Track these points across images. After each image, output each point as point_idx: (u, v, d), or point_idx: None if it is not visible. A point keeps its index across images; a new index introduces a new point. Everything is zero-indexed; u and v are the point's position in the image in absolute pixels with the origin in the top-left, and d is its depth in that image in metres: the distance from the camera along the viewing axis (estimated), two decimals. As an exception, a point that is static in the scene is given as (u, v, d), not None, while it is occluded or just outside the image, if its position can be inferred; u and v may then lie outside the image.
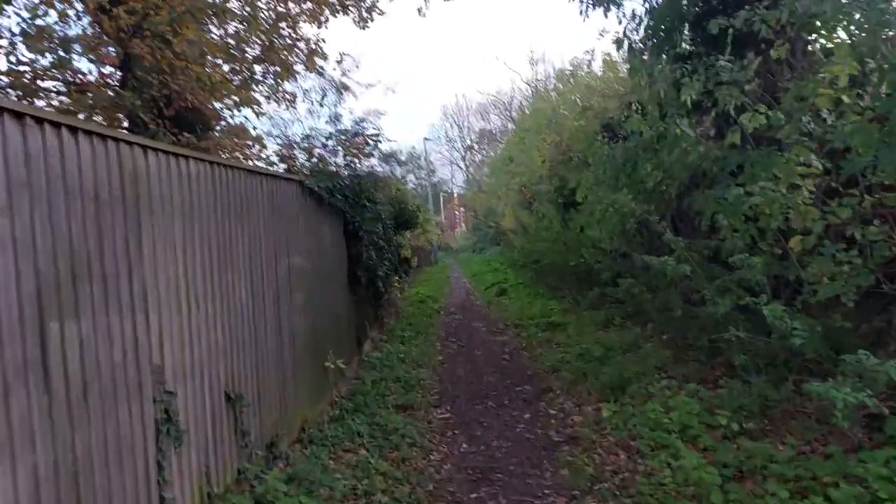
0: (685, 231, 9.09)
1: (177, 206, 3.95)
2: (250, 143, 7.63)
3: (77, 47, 7.28)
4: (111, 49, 7.73)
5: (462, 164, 70.57)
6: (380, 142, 9.33)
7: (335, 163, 9.23)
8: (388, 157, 15.30)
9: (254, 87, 9.73)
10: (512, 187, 23.59)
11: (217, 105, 8.77)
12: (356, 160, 8.75)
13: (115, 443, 3.15)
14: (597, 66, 21.11)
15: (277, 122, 12.16)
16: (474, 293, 20.85)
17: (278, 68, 9.31)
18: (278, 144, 8.34)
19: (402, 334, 11.97)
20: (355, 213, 8.95)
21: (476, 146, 66.68)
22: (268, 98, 10.24)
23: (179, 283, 3.92)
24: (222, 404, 4.43)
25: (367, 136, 9.14)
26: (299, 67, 9.91)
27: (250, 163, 8.05)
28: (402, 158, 53.49)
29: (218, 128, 7.55)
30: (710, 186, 7.76)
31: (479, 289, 21.70)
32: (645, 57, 10.03)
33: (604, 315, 10.74)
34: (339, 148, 8.69)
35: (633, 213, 8.47)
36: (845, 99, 5.99)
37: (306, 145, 8.46)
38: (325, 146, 8.52)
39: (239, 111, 9.38)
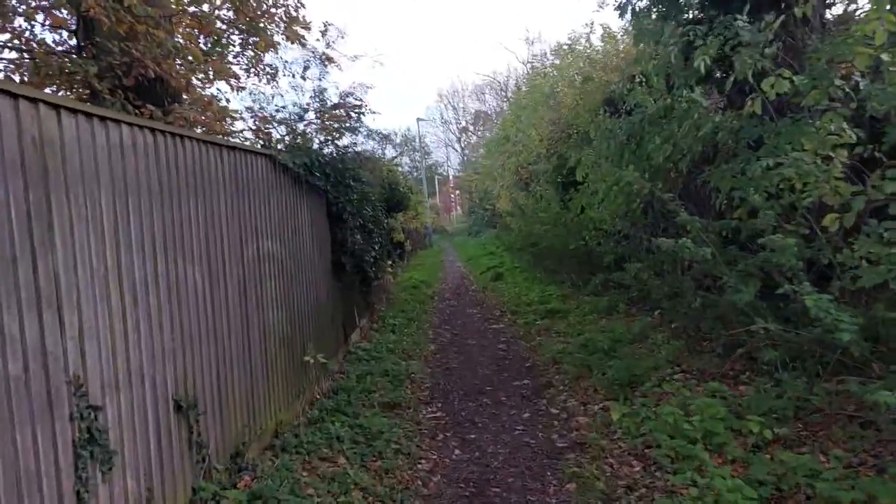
0: (694, 211, 8.44)
1: (106, 180, 3.26)
2: (220, 116, 6.91)
3: (21, 8, 6.52)
4: (64, 12, 6.99)
5: (457, 147, 69.74)
6: (363, 114, 8.60)
7: (318, 139, 8.52)
8: (375, 135, 14.46)
9: (230, 58, 9.01)
10: (508, 168, 22.86)
11: (190, 77, 8.03)
12: (336, 135, 8.01)
13: (10, 477, 2.49)
14: (596, 40, 20.34)
15: (258, 98, 11.41)
16: (469, 278, 20.21)
17: (256, 38, 8.56)
18: (252, 118, 7.58)
19: (394, 322, 11.32)
20: (339, 194, 8.25)
21: (471, 128, 65.85)
22: (247, 71, 9.50)
23: (109, 272, 3.24)
24: (170, 415, 3.76)
25: (349, 107, 8.40)
26: (279, 38, 9.15)
27: (232, 141, 7.31)
28: (396, 140, 52.77)
29: (188, 100, 6.82)
30: (727, 161, 7.11)
31: (475, 273, 21.06)
32: (650, 25, 9.29)
33: (607, 302, 10.11)
34: (318, 121, 7.94)
35: (639, 191, 7.80)
36: (885, 58, 5.32)
37: (282, 118, 7.72)
38: (300, 118, 7.78)
39: (212, 84, 8.64)
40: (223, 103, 8.44)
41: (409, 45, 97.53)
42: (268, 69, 9.79)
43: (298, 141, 7.22)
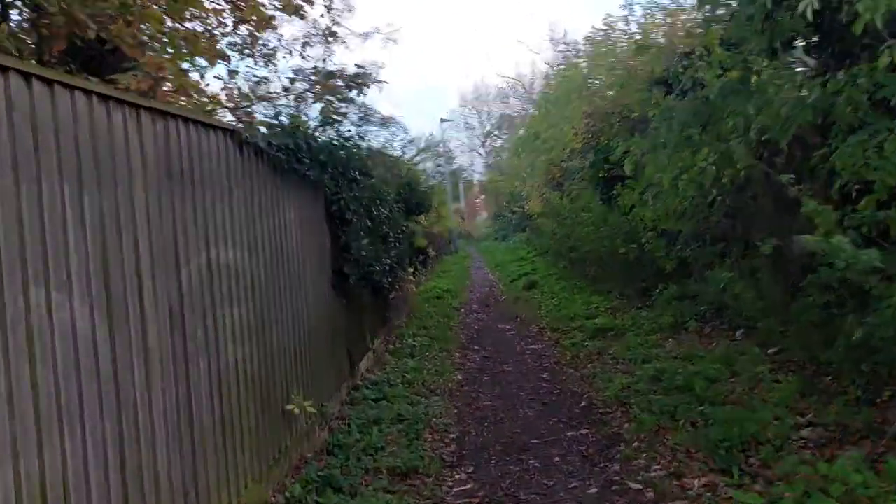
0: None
1: None
2: (181, 90, 5.37)
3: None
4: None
5: (482, 151, 68.07)
6: (366, 86, 6.92)
7: (314, 122, 6.91)
8: (392, 125, 12.81)
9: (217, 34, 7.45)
10: (538, 166, 21.09)
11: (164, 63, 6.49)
12: (336, 115, 6.37)
13: None
14: (634, 26, 18.48)
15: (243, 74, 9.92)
16: (498, 286, 18.47)
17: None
18: (225, 94, 5.97)
19: (413, 342, 9.65)
20: (341, 189, 6.62)
21: (496, 132, 64.17)
22: (241, 51, 7.91)
23: None
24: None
25: (349, 76, 6.76)
26: (274, 9, 7.58)
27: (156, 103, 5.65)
28: (421, 145, 51.33)
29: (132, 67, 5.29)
30: (850, 133, 5.32)
31: (504, 281, 19.31)
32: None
33: (671, 317, 8.30)
34: (310, 92, 6.31)
35: (732, 174, 6.05)
36: None
37: (265, 92, 6.10)
38: (286, 91, 6.15)
39: (191, 63, 7.06)
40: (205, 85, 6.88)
41: (432, 49, 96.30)
42: (264, 49, 8.22)
43: (283, 119, 5.60)
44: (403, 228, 13.09)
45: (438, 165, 50.95)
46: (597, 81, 15.93)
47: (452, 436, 5.55)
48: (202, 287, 3.67)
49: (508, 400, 6.67)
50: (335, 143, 6.54)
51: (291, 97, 6.10)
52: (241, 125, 4.46)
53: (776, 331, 6.09)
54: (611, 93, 13.81)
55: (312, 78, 6.41)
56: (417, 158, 21.89)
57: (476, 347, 9.89)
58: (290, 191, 5.34)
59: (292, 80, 6.34)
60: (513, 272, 20.15)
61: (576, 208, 14.06)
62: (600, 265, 12.73)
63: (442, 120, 35.86)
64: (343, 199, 6.59)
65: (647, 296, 10.61)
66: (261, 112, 5.92)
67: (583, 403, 6.15)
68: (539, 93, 28.37)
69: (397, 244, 11.68)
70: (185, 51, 6.44)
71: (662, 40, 13.32)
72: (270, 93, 6.08)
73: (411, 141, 39.17)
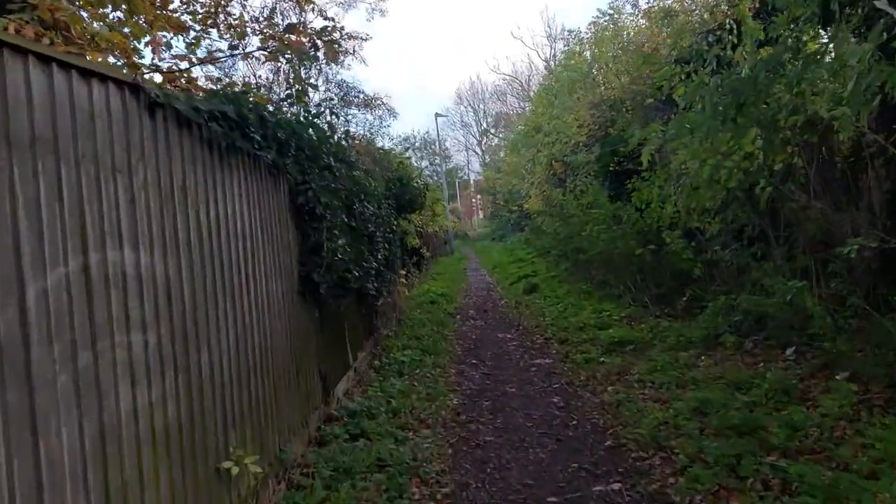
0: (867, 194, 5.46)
1: None
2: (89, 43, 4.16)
3: None
4: None
5: (478, 150, 66.98)
6: (338, 48, 5.69)
7: (278, 94, 5.70)
8: (376, 105, 11.51)
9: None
10: (539, 162, 19.91)
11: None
12: (298, 84, 5.16)
13: None
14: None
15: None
16: (497, 289, 17.27)
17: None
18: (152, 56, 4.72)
19: (403, 357, 8.43)
20: (309, 178, 5.42)
21: (493, 130, 63.15)
22: (203, 22, 6.69)
23: None
24: None
25: (316, 32, 5.54)
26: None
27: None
28: (416, 143, 50.17)
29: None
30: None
31: (503, 283, 18.11)
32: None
33: (704, 329, 7.11)
34: (263, 52, 5.09)
35: (785, 160, 4.88)
36: None
37: (209, 52, 4.86)
38: (233, 49, 4.91)
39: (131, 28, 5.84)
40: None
41: (427, 46, 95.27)
42: (230, 19, 6.99)
43: (232, 87, 4.39)
44: (393, 227, 11.90)
45: (433, 164, 49.81)
46: (603, 69, 14.75)
47: (445, 489, 4.33)
48: (70, 307, 2.46)
49: (515, 434, 5.47)
50: (301, 120, 5.33)
51: (239, 57, 4.87)
52: (146, 78, 3.23)
53: (848, 352, 4.90)
54: (623, 79, 12.61)
55: (266, 31, 5.19)
56: (410, 153, 20.62)
57: (474, 361, 8.69)
58: (235, 175, 4.12)
59: (239, 34, 5.09)
60: (512, 274, 18.96)
61: (582, 205, 12.87)
62: (610, 268, 11.55)
63: (437, 115, 34.58)
64: (312, 189, 5.37)
65: (667, 303, 9.43)
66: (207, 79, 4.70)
67: (608, 442, 4.94)
68: (539, 85, 27.21)
69: (386, 245, 10.49)
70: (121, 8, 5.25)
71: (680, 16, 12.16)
72: (214, 52, 4.84)
73: (406, 139, 38.00)
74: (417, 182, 13.34)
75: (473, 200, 71.62)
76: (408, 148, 16.09)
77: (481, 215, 69.29)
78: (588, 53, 18.41)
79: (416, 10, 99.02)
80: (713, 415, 4.67)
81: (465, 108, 67.98)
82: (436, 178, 44.50)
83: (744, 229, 7.51)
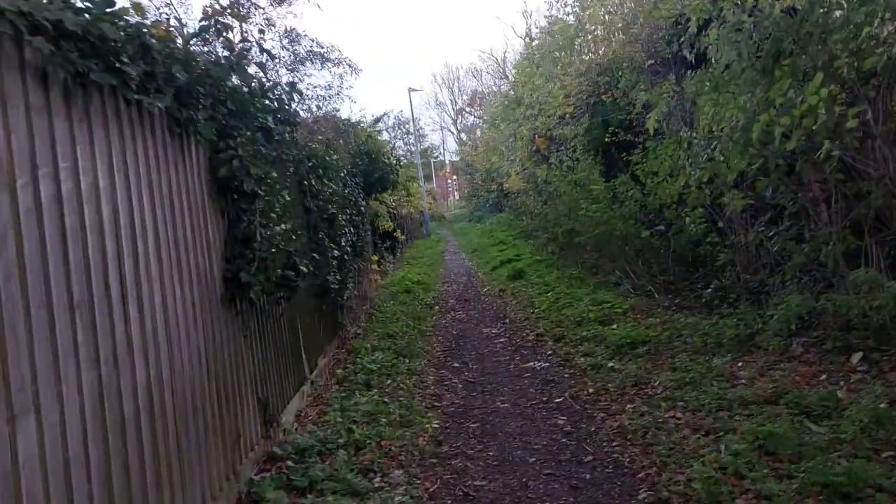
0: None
1: None
2: None
3: None
4: None
5: (454, 129, 65.41)
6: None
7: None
8: (329, 59, 9.91)
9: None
10: (521, 137, 18.55)
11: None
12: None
13: None
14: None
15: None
16: (478, 275, 15.97)
17: None
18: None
19: (372, 363, 7.09)
20: (234, 142, 4.00)
21: (468, 108, 61.62)
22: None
23: None
24: None
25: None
26: None
27: None
28: (389, 123, 48.40)
29: None
30: None
31: (484, 268, 16.82)
32: None
33: (735, 328, 5.87)
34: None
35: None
36: None
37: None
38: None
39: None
40: None
41: (401, 24, 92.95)
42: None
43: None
44: (362, 209, 10.51)
45: (408, 144, 48.16)
46: (595, 30, 13.38)
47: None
48: None
49: (513, 475, 4.18)
50: (221, 63, 3.90)
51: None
52: None
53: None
54: (619, 36, 11.26)
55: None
56: (381, 125, 19.11)
57: (456, 365, 7.39)
58: (98, 131, 2.70)
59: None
60: (493, 258, 17.66)
61: (571, 182, 11.57)
62: (606, 251, 10.31)
63: (410, 90, 32.88)
64: (238, 157, 3.96)
65: (676, 292, 8.23)
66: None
67: (643, 494, 3.67)
68: (519, 55, 25.76)
69: (352, 229, 9.10)
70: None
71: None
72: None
73: (379, 119, 36.27)
74: (388, 158, 11.90)
75: (450, 181, 70.18)
76: (378, 119, 14.56)
77: (458, 196, 67.95)
78: (572, 18, 17.02)
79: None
80: (785, 457, 3.42)
81: (440, 86, 66.19)
82: (410, 157, 42.97)
83: (777, 206, 6.28)
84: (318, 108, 9.28)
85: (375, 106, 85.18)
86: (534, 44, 20.57)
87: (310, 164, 7.07)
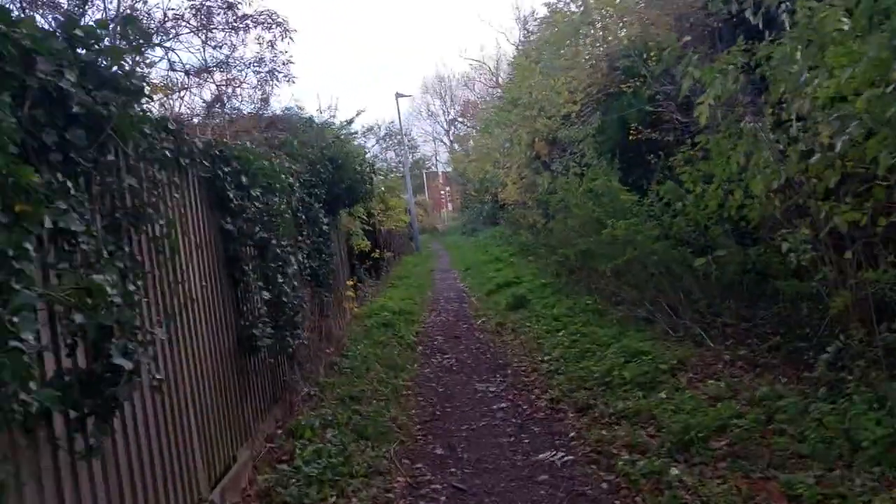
0: None
1: None
2: None
3: None
4: None
5: (446, 140, 63.51)
6: None
7: None
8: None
9: None
10: (519, 140, 16.42)
11: None
12: None
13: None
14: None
15: None
16: (471, 301, 13.76)
17: None
18: None
19: (314, 459, 4.85)
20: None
21: (460, 119, 59.74)
22: None
23: None
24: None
25: None
26: None
27: None
28: (381, 133, 46.37)
29: None
30: None
31: (479, 291, 14.62)
32: None
33: (888, 418, 3.69)
34: None
35: None
36: None
37: None
38: None
39: None
40: None
41: (395, 22, 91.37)
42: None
43: None
44: (324, 227, 8.33)
45: (399, 155, 46.12)
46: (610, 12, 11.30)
47: None
48: None
49: None
50: None
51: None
52: None
53: None
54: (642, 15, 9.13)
55: None
56: (356, 127, 16.94)
57: (439, 452, 5.20)
58: None
59: None
60: (489, 279, 15.47)
61: (584, 192, 9.42)
62: (629, 278, 8.14)
63: (398, 95, 30.53)
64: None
65: (734, 338, 6.08)
66: None
67: None
68: (517, 49, 23.72)
69: (301, 257, 6.94)
70: None
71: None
72: None
73: (370, 129, 34.12)
74: (360, 164, 9.72)
75: (442, 192, 68.22)
76: (350, 121, 12.43)
77: (450, 207, 65.95)
78: (574, 7, 14.95)
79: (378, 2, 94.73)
80: None
81: (432, 96, 64.21)
82: (402, 168, 40.84)
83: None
84: (258, 93, 7.14)
85: (370, 109, 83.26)
86: (532, 38, 18.47)
87: (226, 170, 4.92)
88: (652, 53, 8.47)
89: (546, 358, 7.48)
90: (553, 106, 13.55)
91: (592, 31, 12.46)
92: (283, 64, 6.96)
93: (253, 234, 5.17)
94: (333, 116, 11.78)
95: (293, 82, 6.32)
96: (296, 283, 6.23)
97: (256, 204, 5.32)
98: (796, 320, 5.84)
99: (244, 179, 5.12)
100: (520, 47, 37.92)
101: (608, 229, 7.37)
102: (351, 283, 12.27)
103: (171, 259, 3.60)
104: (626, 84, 9.44)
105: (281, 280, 5.55)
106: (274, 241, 5.43)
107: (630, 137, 8.68)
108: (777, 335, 5.89)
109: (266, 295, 5.25)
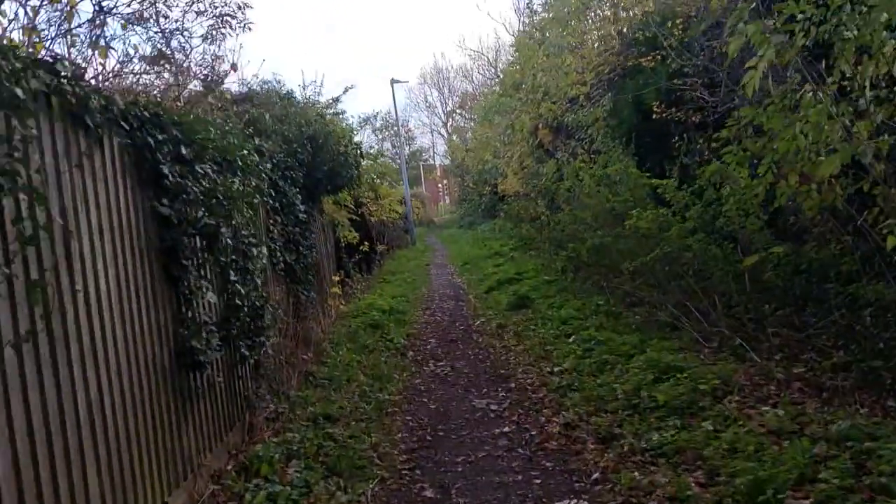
0: None
1: None
2: None
3: None
4: None
5: (444, 132, 62.32)
6: None
7: None
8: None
9: None
10: (521, 127, 15.36)
11: None
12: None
13: None
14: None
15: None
16: (469, 299, 12.70)
17: None
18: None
19: (286, 489, 3.83)
20: None
21: (459, 110, 58.57)
22: None
23: None
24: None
25: None
26: None
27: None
28: (377, 124, 45.17)
29: None
30: None
31: (477, 288, 13.57)
32: None
33: None
34: None
35: None
36: None
37: None
38: None
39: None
40: None
41: (390, 23, 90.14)
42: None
43: None
44: (300, 216, 7.27)
45: (395, 146, 44.98)
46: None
47: None
48: None
49: None
50: None
51: None
52: None
53: None
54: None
55: None
56: (342, 107, 15.83)
57: (428, 496, 4.16)
58: None
59: None
60: (488, 275, 14.44)
61: (598, 179, 8.38)
62: (648, 276, 7.11)
63: (393, 81, 29.19)
64: None
65: (784, 351, 5.07)
66: None
67: None
68: (520, 31, 22.60)
69: (261, 262, 5.85)
70: None
71: None
72: None
73: (366, 119, 32.95)
74: (345, 146, 8.64)
75: (439, 185, 67.11)
76: (336, 99, 11.36)
77: (448, 200, 64.88)
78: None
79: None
80: None
81: (430, 87, 62.92)
82: (398, 159, 39.66)
83: None
84: (211, 47, 6.05)
85: (367, 104, 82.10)
86: (536, 18, 17.37)
87: (161, 138, 3.85)
88: (678, 20, 7.41)
89: (556, 369, 6.44)
90: (559, 89, 12.48)
91: (604, 6, 11.40)
92: (239, 8, 5.85)
93: (197, 220, 4.12)
94: (318, 94, 10.58)
95: (249, 30, 5.27)
96: (259, 280, 5.18)
97: (204, 183, 4.26)
98: (862, 332, 4.83)
99: (185, 151, 4.06)
100: (522, 31, 36.77)
101: (631, 220, 6.31)
102: (337, 278, 11.24)
103: (50, 248, 2.55)
104: (645, 58, 8.38)
105: (234, 277, 4.50)
106: (224, 230, 4.36)
107: (653, 117, 7.63)
108: (839, 349, 4.88)
109: (212, 297, 4.19)
